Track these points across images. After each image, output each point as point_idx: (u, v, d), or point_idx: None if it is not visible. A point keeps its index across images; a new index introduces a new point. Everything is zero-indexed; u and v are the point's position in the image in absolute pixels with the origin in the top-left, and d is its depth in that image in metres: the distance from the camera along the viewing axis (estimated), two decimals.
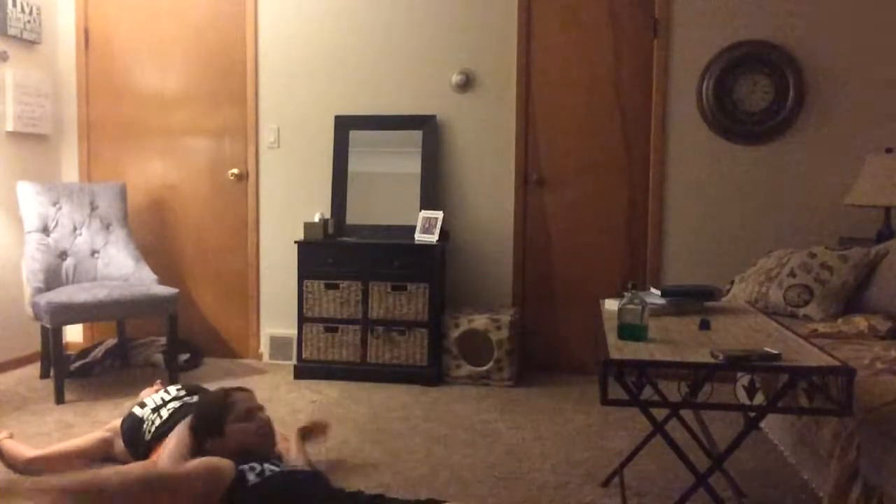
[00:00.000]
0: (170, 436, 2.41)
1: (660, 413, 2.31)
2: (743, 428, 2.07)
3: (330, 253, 4.00)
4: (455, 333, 3.93)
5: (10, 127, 4.13)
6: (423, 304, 3.91)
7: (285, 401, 3.63)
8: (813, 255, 3.29)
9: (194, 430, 2.37)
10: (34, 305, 3.75)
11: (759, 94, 3.93)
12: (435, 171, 4.21)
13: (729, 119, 3.95)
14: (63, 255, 4.02)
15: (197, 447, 2.35)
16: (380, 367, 3.97)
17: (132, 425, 2.69)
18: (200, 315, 4.53)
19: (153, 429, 2.60)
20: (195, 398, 2.72)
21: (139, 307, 3.81)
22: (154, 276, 4.11)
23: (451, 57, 4.20)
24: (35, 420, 3.31)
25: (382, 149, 4.25)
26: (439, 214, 4.02)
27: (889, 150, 3.55)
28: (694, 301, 2.68)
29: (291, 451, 2.66)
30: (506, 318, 3.89)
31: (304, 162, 4.38)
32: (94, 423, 3.22)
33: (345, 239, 4.12)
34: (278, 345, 4.39)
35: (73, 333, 4.60)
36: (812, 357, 1.97)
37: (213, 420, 2.37)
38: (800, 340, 2.19)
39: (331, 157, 4.30)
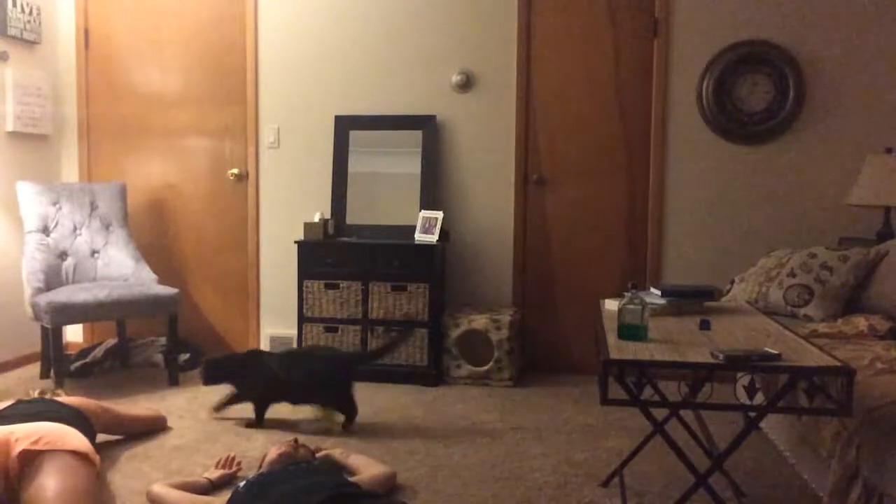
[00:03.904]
0: None
1: (660, 413, 2.31)
2: (743, 428, 2.07)
3: (330, 253, 4.00)
4: (455, 333, 3.93)
5: (10, 127, 4.13)
6: (423, 304, 3.91)
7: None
8: (813, 255, 3.29)
9: None
10: (34, 305, 3.75)
11: (759, 94, 3.93)
12: (435, 171, 4.21)
13: (729, 119, 3.95)
14: (63, 255, 4.02)
15: None
16: (380, 367, 3.96)
17: None
18: (200, 315, 4.53)
19: None
20: None
21: (139, 307, 3.81)
22: (154, 276, 4.11)
23: (451, 57, 4.20)
24: None
25: (382, 149, 4.25)
26: (439, 214, 4.02)
27: (889, 150, 3.55)
28: (694, 301, 2.68)
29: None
30: (506, 318, 3.89)
31: (304, 162, 4.38)
32: None
33: (345, 239, 4.12)
34: (278, 345, 4.38)
35: (73, 333, 4.60)
36: (812, 357, 1.97)
37: None
38: (800, 340, 2.19)
39: (331, 157, 4.30)
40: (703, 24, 3.96)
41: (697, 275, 4.00)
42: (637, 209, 4.11)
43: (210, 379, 3.31)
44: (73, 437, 2.39)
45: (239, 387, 3.30)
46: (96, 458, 2.45)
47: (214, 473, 2.60)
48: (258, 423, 3.24)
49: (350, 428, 3.19)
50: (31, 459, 2.24)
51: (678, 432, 2.57)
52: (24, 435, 2.29)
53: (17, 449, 2.24)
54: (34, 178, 4.31)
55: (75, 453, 2.31)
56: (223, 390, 3.33)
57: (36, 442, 2.27)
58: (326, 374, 3.18)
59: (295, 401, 3.26)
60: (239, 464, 2.72)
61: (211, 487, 2.53)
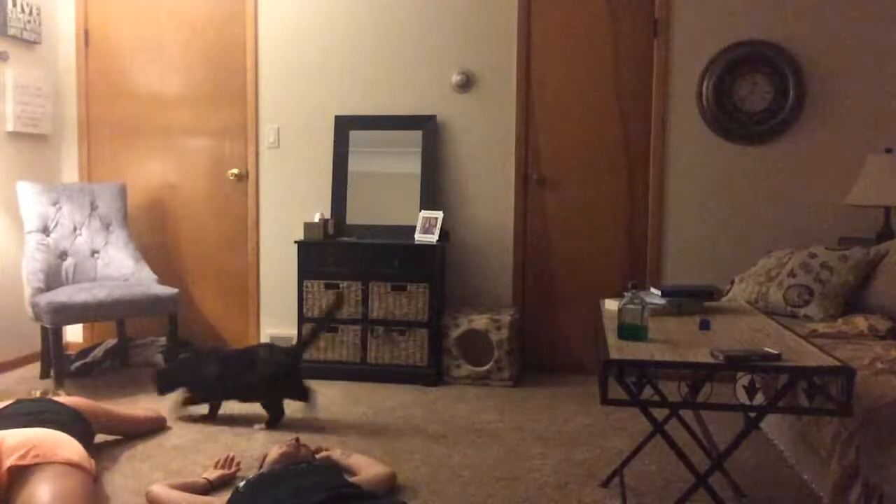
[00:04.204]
0: None
1: (660, 413, 2.31)
2: (743, 428, 2.07)
3: (330, 253, 4.00)
4: (455, 333, 3.93)
5: (10, 127, 4.13)
6: (423, 304, 3.91)
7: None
8: (813, 255, 3.29)
9: None
10: (34, 305, 3.75)
11: (759, 95, 3.93)
12: (435, 171, 4.21)
13: (729, 119, 3.95)
14: (63, 255, 4.03)
15: None
16: (380, 367, 3.97)
17: None
18: (200, 315, 4.53)
19: None
20: None
21: (139, 307, 3.81)
22: (154, 276, 4.11)
23: (451, 57, 4.20)
24: None
25: (382, 149, 4.25)
26: (439, 214, 4.02)
27: (889, 150, 3.55)
28: (694, 301, 2.67)
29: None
30: (506, 318, 3.89)
31: (304, 162, 4.38)
32: None
33: (345, 239, 4.12)
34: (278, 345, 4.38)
35: (73, 333, 4.60)
36: (812, 357, 1.97)
37: None
38: (800, 340, 2.19)
39: (331, 157, 4.30)
40: (703, 24, 3.96)
41: (697, 275, 4.00)
42: (637, 209, 4.11)
43: (165, 388, 3.34)
44: (65, 447, 2.35)
45: (194, 389, 3.34)
46: (91, 464, 2.42)
47: (213, 474, 2.60)
48: (212, 417, 3.32)
49: (273, 427, 3.24)
50: (21, 473, 2.21)
51: (678, 432, 2.57)
52: (14, 445, 2.25)
53: (6, 463, 2.21)
54: (34, 178, 4.31)
55: (67, 464, 2.28)
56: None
57: (24, 455, 2.23)
58: (270, 373, 3.22)
59: (241, 399, 3.31)
60: (238, 464, 2.72)
61: (210, 488, 2.53)
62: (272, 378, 3.21)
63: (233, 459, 2.72)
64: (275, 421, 3.25)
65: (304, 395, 3.27)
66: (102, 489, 2.57)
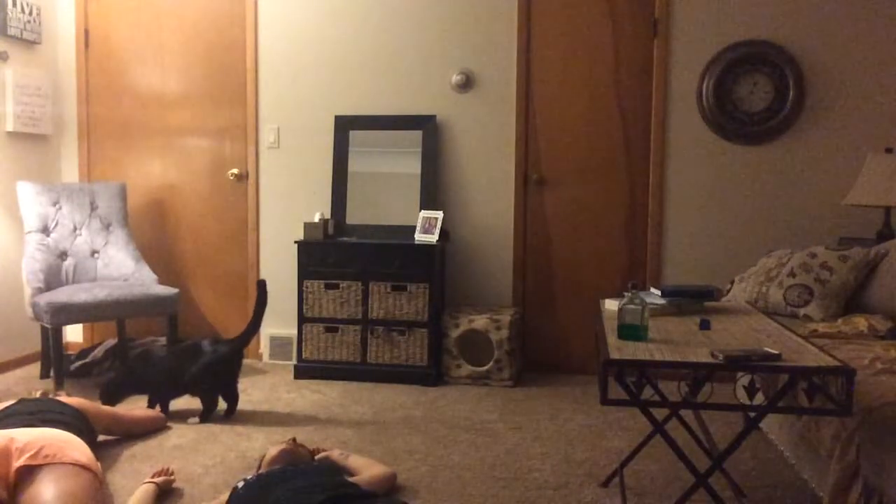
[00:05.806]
0: None
1: (660, 413, 2.31)
2: (743, 428, 2.06)
3: (330, 253, 4.00)
4: (455, 333, 3.93)
5: (10, 127, 4.13)
6: (423, 304, 3.91)
7: (285, 401, 3.63)
8: (813, 255, 3.29)
9: None
10: (34, 305, 3.75)
11: (759, 94, 3.93)
12: (435, 171, 4.21)
13: (729, 119, 3.95)
14: (63, 255, 4.03)
15: None
16: (380, 367, 3.97)
17: None
18: (200, 315, 4.53)
19: None
20: None
21: (139, 307, 3.81)
22: (154, 276, 4.11)
23: (451, 57, 4.20)
24: None
25: (382, 149, 4.25)
26: (439, 214, 4.02)
27: (889, 150, 3.55)
28: (694, 301, 2.67)
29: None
30: (506, 318, 3.89)
31: (304, 162, 4.38)
32: None
33: (345, 239, 4.12)
34: (278, 345, 4.39)
35: (73, 333, 4.60)
36: (812, 357, 1.97)
37: None
38: (800, 340, 2.19)
39: (331, 157, 4.30)
40: (702, 24, 3.96)
41: (697, 275, 4.00)
42: (637, 209, 4.11)
43: (113, 399, 3.33)
44: (75, 447, 2.36)
45: (146, 391, 3.36)
46: (97, 466, 2.42)
47: (157, 479, 2.56)
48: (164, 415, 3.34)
49: (231, 417, 3.33)
50: (29, 473, 2.21)
51: (678, 432, 2.58)
52: (24, 444, 2.26)
53: (17, 463, 2.21)
54: (34, 178, 4.31)
55: (75, 465, 2.28)
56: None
57: (35, 455, 2.23)
58: (216, 365, 3.31)
59: (192, 392, 3.35)
60: (172, 472, 2.65)
61: (160, 491, 2.51)
62: (216, 367, 3.28)
63: (167, 469, 2.66)
64: (208, 413, 3.32)
65: (232, 397, 3.35)
66: (107, 490, 2.57)
